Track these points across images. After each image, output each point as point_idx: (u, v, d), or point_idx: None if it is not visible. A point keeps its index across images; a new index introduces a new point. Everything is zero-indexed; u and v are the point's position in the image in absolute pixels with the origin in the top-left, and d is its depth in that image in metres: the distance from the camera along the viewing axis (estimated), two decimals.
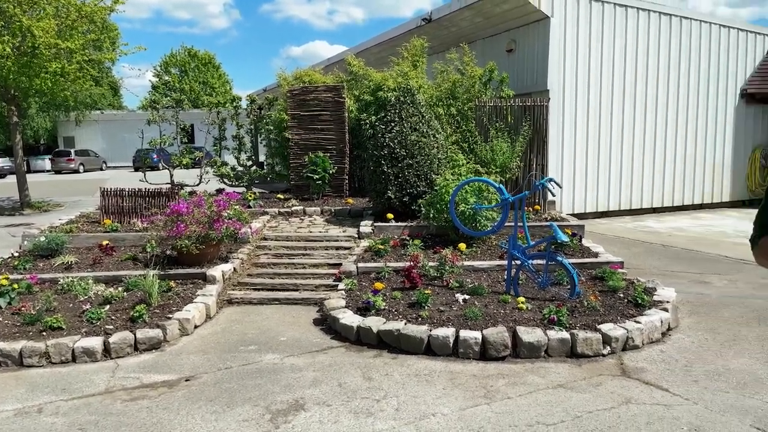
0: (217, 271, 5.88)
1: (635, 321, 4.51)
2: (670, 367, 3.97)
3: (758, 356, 4.11)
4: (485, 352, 4.21)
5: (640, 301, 4.88)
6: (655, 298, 5.06)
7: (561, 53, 10.32)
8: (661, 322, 4.60)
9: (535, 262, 5.33)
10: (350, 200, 9.38)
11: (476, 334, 4.25)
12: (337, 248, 6.93)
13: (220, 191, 9.65)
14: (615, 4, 10.78)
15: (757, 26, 12.75)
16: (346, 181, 10.01)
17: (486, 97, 9.50)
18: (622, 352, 4.26)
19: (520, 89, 10.31)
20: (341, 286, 5.60)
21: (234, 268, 6.18)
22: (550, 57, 10.20)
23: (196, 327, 4.98)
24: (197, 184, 10.46)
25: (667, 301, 4.97)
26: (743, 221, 10.63)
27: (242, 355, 4.39)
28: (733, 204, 12.68)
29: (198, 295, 5.44)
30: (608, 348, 4.24)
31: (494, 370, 4.00)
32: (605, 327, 4.37)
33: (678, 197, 12.02)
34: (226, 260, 6.32)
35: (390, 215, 7.50)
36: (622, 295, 5.14)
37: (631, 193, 11.43)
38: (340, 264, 6.20)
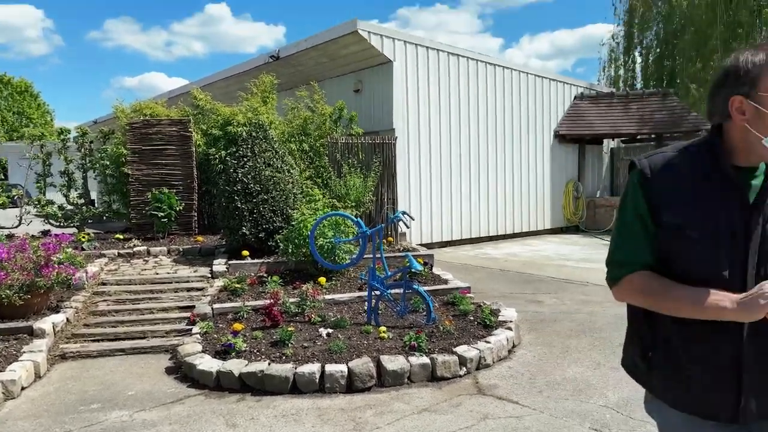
0: (46, 323, 5.19)
1: (486, 341, 4.87)
2: (518, 381, 4.34)
3: (588, 364, 4.67)
4: (352, 385, 4.23)
5: (488, 323, 5.29)
6: (500, 318, 5.52)
7: (404, 95, 11.02)
8: (507, 340, 5.03)
9: (393, 291, 5.52)
10: (200, 238, 8.94)
11: (342, 368, 4.27)
12: (189, 290, 6.53)
13: (46, 233, 8.60)
14: (449, 53, 11.84)
15: (564, 77, 14.85)
16: (195, 218, 9.53)
17: (337, 134, 9.76)
18: (476, 371, 4.57)
19: (369, 127, 10.78)
20: (196, 329, 5.27)
21: (67, 319, 5.51)
22: (395, 98, 10.85)
23: (23, 389, 4.33)
24: (16, 226, 9.22)
25: (511, 321, 5.44)
26: (562, 245, 12.09)
27: (83, 415, 3.90)
28: (553, 231, 14.38)
29: (24, 352, 4.75)
30: (464, 369, 4.52)
31: (361, 401, 4.04)
32: (460, 349, 4.66)
33: (510, 226, 13.32)
34: (57, 310, 5.62)
35: (245, 252, 7.28)
36: (472, 318, 5.53)
37: (471, 224, 12.42)
38: (193, 306, 5.84)
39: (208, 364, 4.48)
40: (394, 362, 4.38)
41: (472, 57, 12.36)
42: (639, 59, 19.54)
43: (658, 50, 18.98)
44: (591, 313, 6.25)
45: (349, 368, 4.27)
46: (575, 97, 14.83)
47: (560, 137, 14.26)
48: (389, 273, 5.56)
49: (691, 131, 13.87)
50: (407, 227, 5.88)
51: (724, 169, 1.43)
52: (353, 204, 8.53)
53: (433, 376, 4.42)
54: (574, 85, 14.96)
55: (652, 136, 14.54)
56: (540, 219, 14.09)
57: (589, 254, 10.79)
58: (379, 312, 5.48)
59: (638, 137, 14.98)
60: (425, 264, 7.38)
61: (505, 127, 13.05)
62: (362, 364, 4.31)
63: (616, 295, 1.58)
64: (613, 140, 15.74)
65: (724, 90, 1.44)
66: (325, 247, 6.45)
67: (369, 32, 10.51)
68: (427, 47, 11.46)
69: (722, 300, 1.34)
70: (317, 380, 4.22)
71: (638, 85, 19.08)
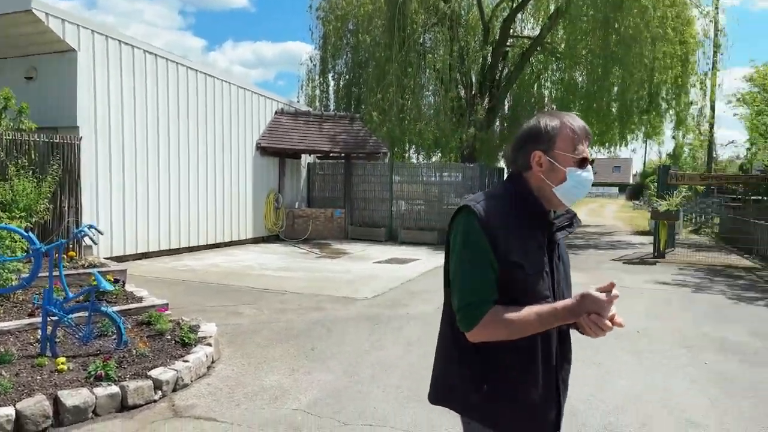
0: None
1: (184, 360, 4.74)
2: (217, 398, 4.36)
3: (284, 371, 4.98)
4: (20, 429, 3.62)
5: (186, 340, 5.16)
6: (200, 334, 5.43)
7: (92, 90, 9.88)
8: (207, 356, 4.99)
9: (75, 315, 4.91)
10: None
11: (8, 411, 3.61)
12: None
13: None
14: (145, 50, 11.08)
15: (267, 91, 15.40)
16: None
17: (1, 128, 8.15)
18: (173, 393, 4.41)
19: (46, 122, 9.28)
20: None
21: None
22: (79, 92, 9.64)
23: None
24: None
25: (210, 336, 5.42)
26: (263, 255, 12.51)
27: None
28: (255, 240, 14.74)
29: None
30: (160, 392, 4.31)
31: None
32: (156, 372, 4.43)
33: (212, 236, 13.13)
34: None
35: None
36: (169, 337, 5.30)
37: (170, 234, 11.82)
38: None
39: None
40: (75, 396, 3.91)
41: (173, 59, 11.83)
42: (332, 83, 21.56)
43: (347, 77, 21.27)
44: (288, 321, 6.65)
45: (17, 411, 3.64)
46: (276, 112, 15.53)
47: (262, 149, 14.74)
48: (71, 295, 4.93)
49: (371, 153, 15.98)
50: (94, 243, 5.31)
51: (540, 218, 1.70)
52: (23, 214, 7.24)
53: (123, 406, 4.10)
54: (275, 100, 15.66)
55: (342, 154, 16.23)
56: (243, 228, 14.27)
57: (288, 263, 11.42)
58: (58, 340, 4.80)
59: (331, 154, 16.53)
60: (116, 281, 6.75)
61: (207, 135, 12.85)
62: (35, 404, 3.72)
63: (476, 335, 1.61)
64: (310, 155, 16.99)
65: (528, 145, 1.71)
66: None
67: (47, 14, 9.11)
68: (120, 41, 10.52)
69: (559, 305, 1.58)
70: None
71: (332, 107, 21.01)
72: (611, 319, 1.56)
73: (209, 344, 5.19)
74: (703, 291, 9.35)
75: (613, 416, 4.13)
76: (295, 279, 9.50)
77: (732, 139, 71.08)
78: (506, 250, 1.59)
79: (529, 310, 1.57)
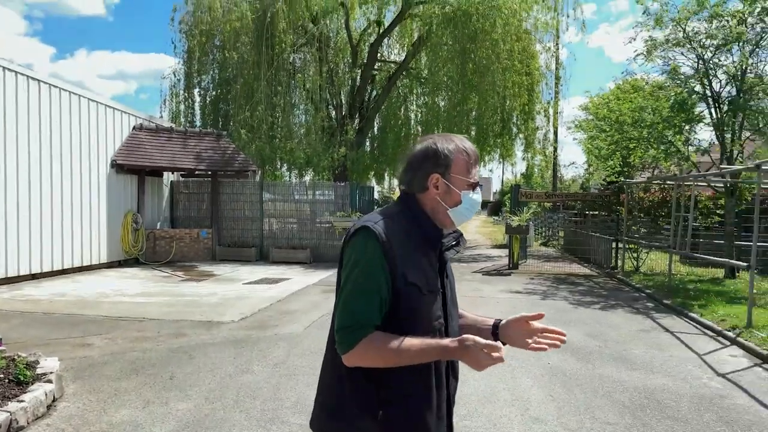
0: None
1: (18, 401, 4.26)
2: None
3: (138, 404, 4.66)
4: None
5: (22, 378, 4.63)
6: (39, 371, 4.91)
7: None
8: (46, 395, 4.53)
9: None
10: None
11: None
12: None
13: None
14: None
15: (123, 105, 14.44)
16: None
17: None
18: None
19: None
20: None
21: None
22: None
23: None
24: None
25: (51, 372, 4.91)
26: (120, 280, 11.61)
27: None
28: (110, 265, 13.63)
29: None
30: None
31: None
32: None
33: (58, 261, 11.92)
34: None
35: None
36: (2, 376, 4.73)
37: (7, 261, 10.55)
38: None
39: None
40: None
41: (10, 68, 10.67)
42: (198, 99, 20.73)
43: (215, 93, 20.58)
44: (144, 350, 6.23)
45: None
46: (134, 128, 14.63)
47: (118, 167, 13.76)
48: None
49: (240, 171, 15.64)
50: None
51: (434, 239, 1.73)
52: None
53: None
54: (133, 115, 14.75)
55: (208, 172, 15.67)
56: (95, 252, 13.13)
57: (148, 288, 10.71)
58: None
59: (196, 172, 15.87)
60: None
61: (51, 151, 11.71)
62: None
63: (351, 359, 1.57)
64: (173, 173, 16.17)
65: (425, 167, 1.71)
66: None
67: None
68: None
69: (438, 343, 1.57)
70: None
71: (198, 123, 20.20)
72: (548, 331, 1.85)
73: (50, 381, 4.71)
74: (549, 297, 10.31)
75: (468, 419, 4.41)
76: (155, 305, 8.93)
77: (573, 161, 79.47)
78: (404, 271, 1.59)
79: (409, 342, 1.55)
